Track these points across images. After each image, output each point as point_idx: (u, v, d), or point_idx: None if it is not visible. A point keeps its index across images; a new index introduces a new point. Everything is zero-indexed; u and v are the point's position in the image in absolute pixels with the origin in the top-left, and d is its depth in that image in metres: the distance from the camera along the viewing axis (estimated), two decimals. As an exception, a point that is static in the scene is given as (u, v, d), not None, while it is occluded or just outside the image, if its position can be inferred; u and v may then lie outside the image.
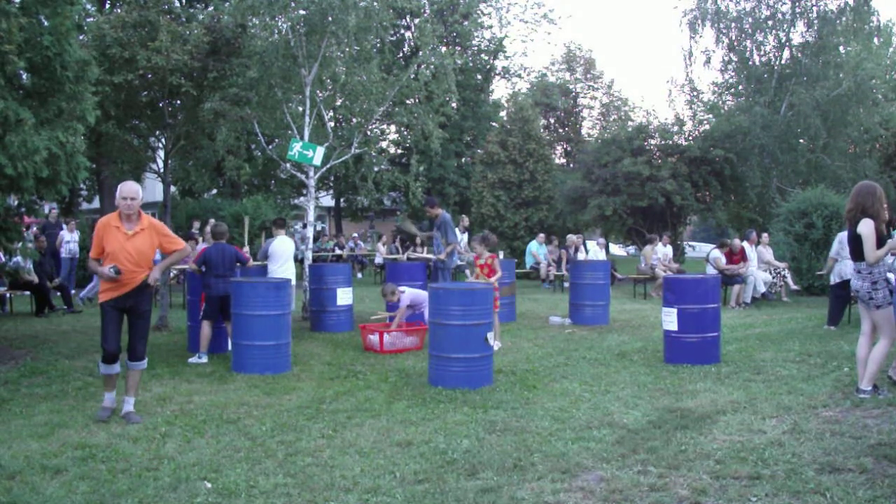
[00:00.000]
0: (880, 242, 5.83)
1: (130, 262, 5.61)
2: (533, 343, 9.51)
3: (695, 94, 25.91)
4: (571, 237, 18.13)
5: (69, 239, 14.50)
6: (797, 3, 22.20)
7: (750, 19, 22.99)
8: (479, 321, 6.94)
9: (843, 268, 9.89)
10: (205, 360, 8.22)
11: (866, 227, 5.81)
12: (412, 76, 11.66)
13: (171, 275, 13.18)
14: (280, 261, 9.78)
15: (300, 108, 11.71)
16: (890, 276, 6.11)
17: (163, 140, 15.89)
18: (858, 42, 22.89)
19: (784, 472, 4.27)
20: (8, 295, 12.25)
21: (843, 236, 10.51)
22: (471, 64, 27.95)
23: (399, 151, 28.70)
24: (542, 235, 19.54)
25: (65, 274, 13.62)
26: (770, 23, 22.80)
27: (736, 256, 13.30)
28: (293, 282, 9.25)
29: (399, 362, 8.22)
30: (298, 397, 6.57)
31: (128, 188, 5.67)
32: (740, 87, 25.03)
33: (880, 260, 5.86)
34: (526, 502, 3.97)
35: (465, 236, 17.50)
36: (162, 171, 15.25)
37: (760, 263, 13.96)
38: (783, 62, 23.01)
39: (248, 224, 9.86)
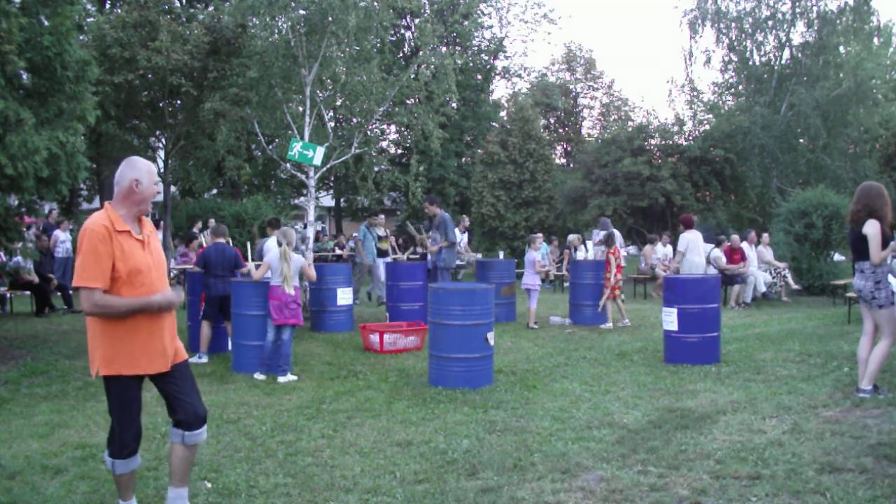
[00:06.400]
0: (885, 243, 5.85)
1: (157, 285, 3.56)
2: (533, 343, 9.51)
3: (695, 94, 25.97)
4: (572, 237, 18.14)
5: (64, 238, 14.53)
6: (797, 3, 22.23)
7: (750, 19, 23.03)
8: (480, 321, 6.94)
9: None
10: (205, 359, 8.23)
11: (872, 228, 5.83)
12: (412, 76, 11.65)
13: (172, 274, 13.19)
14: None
15: (300, 108, 11.70)
16: (890, 277, 6.11)
17: (163, 140, 15.91)
18: (858, 42, 22.93)
19: (784, 472, 4.27)
20: (8, 295, 12.25)
21: (594, 232, 12.71)
22: (471, 64, 27.96)
23: (399, 151, 28.71)
24: (539, 235, 19.54)
25: (59, 274, 13.64)
26: (770, 23, 22.83)
27: (736, 256, 13.30)
28: None
29: (399, 362, 8.22)
30: (298, 397, 6.57)
31: (152, 168, 3.66)
32: (740, 87, 25.08)
33: (884, 260, 5.88)
34: (526, 502, 3.97)
35: (465, 236, 17.49)
36: (162, 171, 15.25)
37: (761, 263, 13.97)
38: (783, 62, 23.04)
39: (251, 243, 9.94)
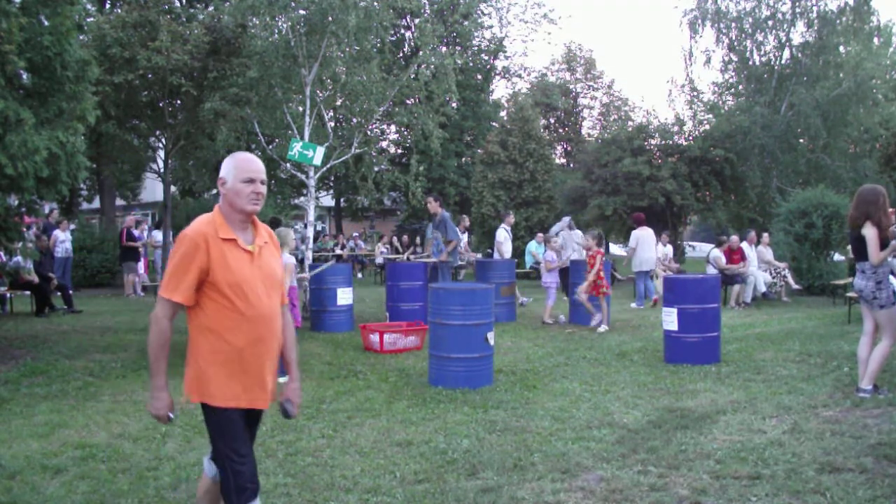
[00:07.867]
0: (884, 244, 5.86)
1: (267, 305, 2.99)
2: (533, 343, 9.51)
3: (695, 94, 25.95)
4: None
5: (63, 238, 14.54)
6: (797, 3, 22.22)
7: (750, 19, 23.03)
8: (479, 321, 6.94)
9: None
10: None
11: (870, 229, 5.83)
12: (412, 76, 11.66)
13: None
14: None
15: (300, 108, 11.70)
16: (892, 278, 6.12)
17: (163, 140, 15.92)
18: (858, 42, 22.93)
19: (784, 472, 4.27)
20: (8, 295, 12.25)
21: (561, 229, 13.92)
22: (471, 64, 27.96)
23: (399, 151, 28.70)
24: (540, 235, 19.55)
25: (59, 274, 13.64)
26: (770, 23, 22.83)
27: (735, 256, 13.31)
28: None
29: (399, 362, 8.22)
30: (298, 397, 6.56)
31: (255, 162, 3.01)
32: (740, 87, 25.08)
33: (884, 261, 5.88)
34: (526, 502, 3.97)
35: (465, 236, 17.49)
36: (162, 171, 15.26)
37: (761, 263, 13.97)
38: (783, 62, 23.04)
39: None
